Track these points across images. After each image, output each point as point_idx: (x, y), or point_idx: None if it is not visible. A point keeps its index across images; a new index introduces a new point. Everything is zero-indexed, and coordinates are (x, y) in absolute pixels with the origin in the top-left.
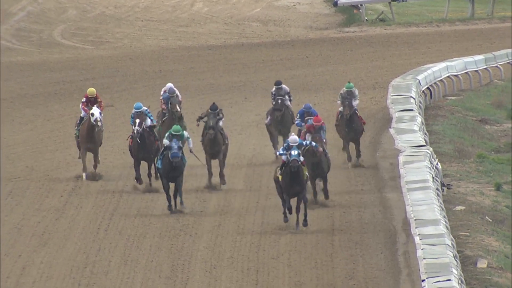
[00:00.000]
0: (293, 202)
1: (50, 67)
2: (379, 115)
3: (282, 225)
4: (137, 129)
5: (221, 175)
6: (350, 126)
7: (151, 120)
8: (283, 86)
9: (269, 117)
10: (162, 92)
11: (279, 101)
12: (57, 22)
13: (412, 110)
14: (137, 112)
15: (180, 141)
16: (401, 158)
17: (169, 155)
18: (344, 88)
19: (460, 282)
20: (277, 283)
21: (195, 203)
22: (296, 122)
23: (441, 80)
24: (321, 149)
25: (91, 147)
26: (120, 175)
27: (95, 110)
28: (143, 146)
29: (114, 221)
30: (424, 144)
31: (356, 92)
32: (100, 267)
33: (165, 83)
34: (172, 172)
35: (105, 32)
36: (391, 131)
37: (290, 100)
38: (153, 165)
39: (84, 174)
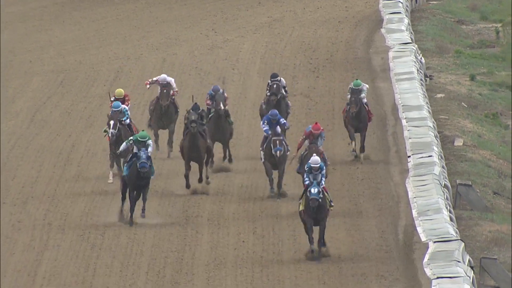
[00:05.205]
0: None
1: None
2: (372, 17)
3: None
4: (111, 132)
5: (200, 180)
6: (357, 119)
7: (128, 118)
8: (281, 79)
9: (263, 105)
10: (155, 79)
11: (275, 86)
12: None
13: (400, 12)
14: (115, 111)
15: (148, 149)
16: (391, 54)
17: (137, 165)
18: (352, 85)
19: (440, 158)
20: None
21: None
22: (264, 128)
23: None
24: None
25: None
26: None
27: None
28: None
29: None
30: (410, 41)
31: (365, 87)
32: None
33: None
34: (139, 181)
35: None
36: (383, 30)
37: (286, 92)
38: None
39: (110, 174)
